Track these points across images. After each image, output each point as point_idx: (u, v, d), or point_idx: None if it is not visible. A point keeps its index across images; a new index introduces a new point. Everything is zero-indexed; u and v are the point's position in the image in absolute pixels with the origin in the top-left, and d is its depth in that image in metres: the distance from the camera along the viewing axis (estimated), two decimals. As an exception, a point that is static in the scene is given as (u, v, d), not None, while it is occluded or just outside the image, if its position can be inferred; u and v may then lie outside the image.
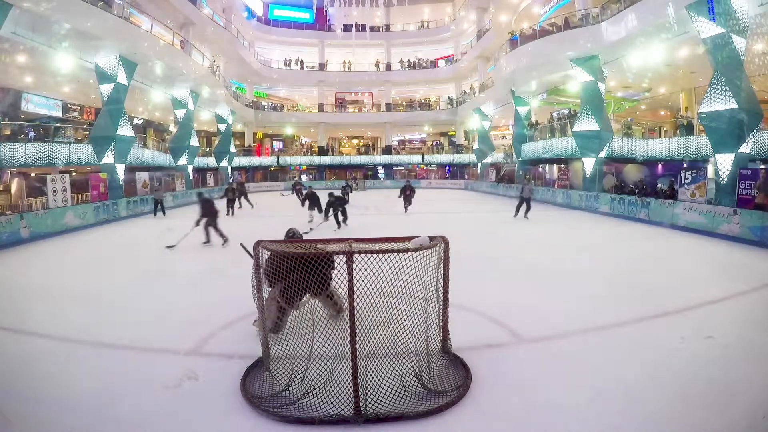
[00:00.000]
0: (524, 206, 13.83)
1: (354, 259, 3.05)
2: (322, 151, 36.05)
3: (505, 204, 18.69)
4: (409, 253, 3.24)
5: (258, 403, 3.18)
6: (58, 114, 19.87)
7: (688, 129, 16.21)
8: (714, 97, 11.03)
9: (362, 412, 3.01)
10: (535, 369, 3.74)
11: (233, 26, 28.02)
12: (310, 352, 3.36)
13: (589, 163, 17.04)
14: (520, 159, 23.41)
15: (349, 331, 3.08)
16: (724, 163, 11.17)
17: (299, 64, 35.13)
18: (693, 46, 13.50)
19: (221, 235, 9.60)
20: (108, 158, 15.84)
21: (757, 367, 3.73)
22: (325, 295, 4.05)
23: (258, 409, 3.12)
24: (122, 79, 15.71)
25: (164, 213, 16.23)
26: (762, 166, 11.37)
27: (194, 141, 23.68)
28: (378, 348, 3.23)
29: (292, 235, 4.86)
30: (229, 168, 30.50)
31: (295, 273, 3.50)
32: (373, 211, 17.20)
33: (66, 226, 12.28)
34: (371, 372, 3.19)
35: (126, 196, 16.53)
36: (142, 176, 18.78)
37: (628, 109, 22.49)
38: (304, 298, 3.82)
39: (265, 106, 35.46)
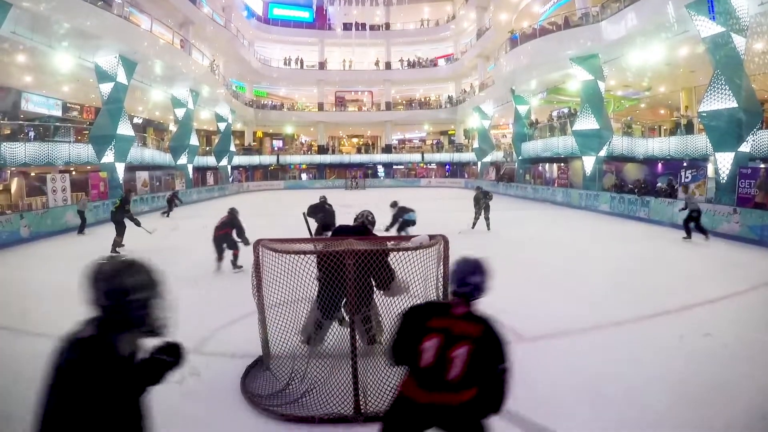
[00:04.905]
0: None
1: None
2: (322, 149, 36.03)
3: (504, 202, 18.66)
4: (409, 252, 3.24)
5: (258, 401, 3.18)
6: (58, 113, 19.88)
7: (687, 128, 16.20)
8: (714, 96, 11.02)
9: (362, 411, 3.01)
10: (534, 368, 3.73)
11: (233, 25, 28.00)
12: (310, 351, 3.37)
13: (589, 162, 17.04)
14: (520, 158, 23.42)
15: (348, 329, 3.08)
16: (724, 162, 11.16)
17: (299, 63, 35.10)
18: (693, 45, 13.48)
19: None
20: (108, 157, 15.84)
21: (756, 366, 3.74)
22: (362, 313, 3.30)
23: (258, 407, 3.13)
24: (122, 78, 15.70)
25: (84, 229, 11.58)
26: (762, 165, 11.37)
27: (194, 140, 23.70)
28: (378, 346, 3.23)
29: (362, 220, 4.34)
30: (229, 167, 30.48)
31: (336, 272, 2.97)
32: (373, 210, 17.19)
33: (66, 226, 12.26)
34: (371, 370, 3.19)
35: (126, 196, 16.53)
36: (142, 175, 18.84)
37: (628, 108, 22.48)
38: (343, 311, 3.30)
39: (266, 105, 35.43)
